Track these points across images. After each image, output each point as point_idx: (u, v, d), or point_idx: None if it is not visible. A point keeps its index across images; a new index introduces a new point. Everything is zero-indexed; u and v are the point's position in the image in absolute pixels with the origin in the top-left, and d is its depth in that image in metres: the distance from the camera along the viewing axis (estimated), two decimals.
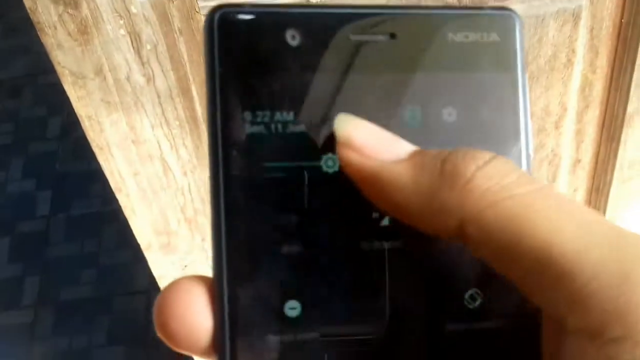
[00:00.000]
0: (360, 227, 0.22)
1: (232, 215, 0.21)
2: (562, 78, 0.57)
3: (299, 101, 0.21)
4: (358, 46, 0.21)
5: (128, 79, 0.54)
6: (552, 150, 0.63)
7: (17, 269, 1.66)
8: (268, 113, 0.21)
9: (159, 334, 0.21)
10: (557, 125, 0.61)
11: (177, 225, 0.65)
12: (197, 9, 0.51)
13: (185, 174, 0.61)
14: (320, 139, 0.21)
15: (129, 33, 0.52)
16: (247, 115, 0.21)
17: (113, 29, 0.51)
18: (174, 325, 0.20)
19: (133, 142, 0.59)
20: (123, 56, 0.53)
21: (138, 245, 1.71)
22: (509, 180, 0.20)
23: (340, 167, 0.21)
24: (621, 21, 0.54)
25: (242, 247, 0.21)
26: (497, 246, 0.19)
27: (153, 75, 0.54)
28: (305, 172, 0.21)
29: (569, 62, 0.56)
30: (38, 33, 0.51)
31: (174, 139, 0.58)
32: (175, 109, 0.56)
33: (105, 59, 0.53)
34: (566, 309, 0.18)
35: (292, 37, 0.21)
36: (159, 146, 0.59)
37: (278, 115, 0.21)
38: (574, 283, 0.18)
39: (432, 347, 0.22)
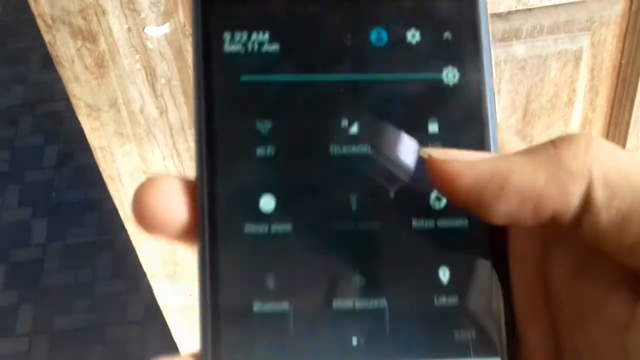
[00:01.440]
0: (329, 133, 0.23)
1: (211, 120, 0.23)
2: (562, 116, 0.58)
3: (279, 26, 0.23)
4: None
5: (142, 111, 0.56)
6: None
7: (12, 297, 1.66)
8: (245, 34, 0.23)
9: (136, 221, 0.22)
10: None
11: (184, 255, 0.66)
12: None
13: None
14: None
15: (144, 67, 0.53)
16: (226, 35, 0.23)
17: (129, 63, 0.53)
18: (151, 211, 0.22)
19: (144, 172, 0.60)
20: (138, 89, 0.54)
21: (133, 275, 1.71)
22: (620, 148, 0.22)
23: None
24: (620, 62, 0.56)
25: (222, 147, 0.23)
26: (623, 204, 0.21)
27: (166, 108, 0.56)
28: (279, 85, 0.23)
29: (570, 101, 0.58)
30: (55, 66, 0.53)
31: (184, 170, 0.60)
32: (187, 140, 0.58)
33: (120, 92, 0.55)
34: None
35: None
36: None
37: (254, 36, 0.23)
38: None
39: (396, 241, 0.23)
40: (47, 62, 2.08)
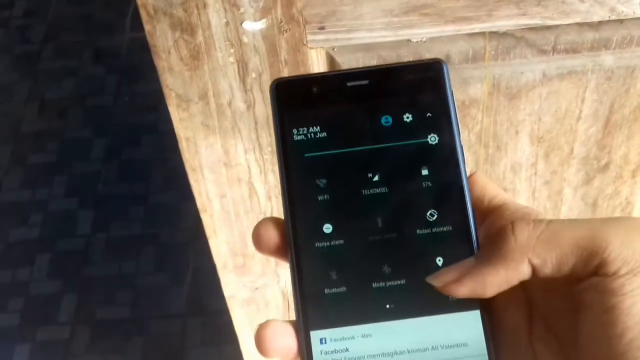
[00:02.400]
0: (361, 182, 0.37)
1: (289, 181, 0.37)
2: None
3: (326, 121, 0.38)
4: (352, 88, 0.38)
5: (229, 104, 0.57)
6: (625, 199, 0.65)
7: (56, 285, 1.69)
8: (305, 128, 0.38)
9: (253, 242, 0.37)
10: (633, 174, 0.62)
11: (254, 248, 0.67)
12: (304, 42, 0.54)
13: (270, 198, 0.64)
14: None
15: (238, 61, 0.54)
16: (295, 130, 0.37)
17: (223, 56, 0.54)
18: (261, 240, 0.36)
19: (225, 165, 0.61)
20: (228, 83, 0.56)
21: (176, 269, 1.72)
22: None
23: None
24: None
25: (297, 197, 0.37)
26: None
27: (254, 102, 0.57)
28: (329, 156, 0.37)
29: None
30: (152, 56, 0.54)
31: (264, 164, 0.61)
32: (270, 135, 0.59)
33: (212, 84, 0.56)
34: None
35: (315, 90, 0.38)
36: (249, 170, 0.61)
37: (311, 129, 0.37)
38: None
39: (407, 244, 0.36)
40: (99, 57, 2.12)
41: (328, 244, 0.36)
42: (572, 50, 0.55)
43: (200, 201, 0.64)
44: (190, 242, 1.71)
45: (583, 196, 0.65)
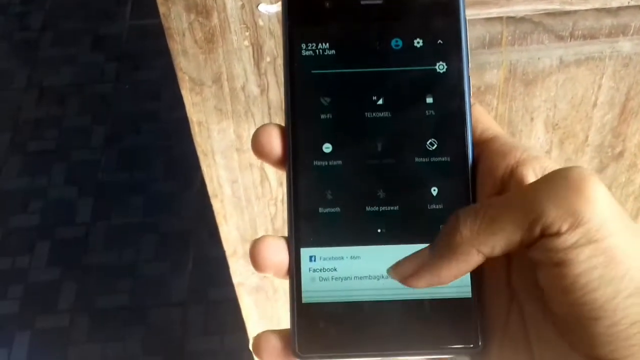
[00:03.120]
0: (365, 104, 0.36)
1: (294, 96, 0.37)
2: None
3: (336, 39, 0.37)
4: (365, 7, 0.37)
5: (243, 88, 0.56)
6: (639, 187, 0.64)
7: (55, 273, 1.68)
8: (314, 44, 0.37)
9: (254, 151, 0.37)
10: None
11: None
12: None
13: (281, 184, 0.63)
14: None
15: (252, 44, 0.54)
16: (303, 45, 0.37)
17: (238, 39, 0.54)
18: (260, 146, 0.36)
19: (237, 150, 0.60)
20: (242, 66, 0.55)
21: (176, 258, 1.72)
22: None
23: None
24: None
25: (300, 113, 0.36)
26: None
27: (267, 86, 0.56)
28: (335, 75, 0.37)
29: None
30: (167, 39, 0.53)
31: None
32: (283, 120, 0.58)
33: (225, 67, 0.55)
34: None
35: (328, 5, 0.37)
36: None
37: (319, 45, 0.37)
38: None
39: (404, 171, 0.36)
40: (98, 44, 2.10)
41: (326, 163, 0.36)
42: (590, 36, 0.54)
43: (211, 187, 0.64)
44: (191, 230, 1.70)
45: None
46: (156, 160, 1.83)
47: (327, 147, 0.36)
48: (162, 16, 0.53)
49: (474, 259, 0.32)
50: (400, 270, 0.34)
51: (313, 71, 0.37)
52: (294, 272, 0.35)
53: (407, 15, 0.37)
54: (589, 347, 0.29)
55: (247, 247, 0.69)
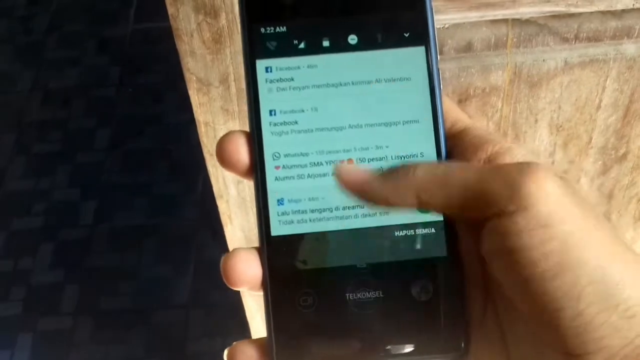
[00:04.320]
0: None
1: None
2: None
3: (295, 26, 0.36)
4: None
5: None
6: None
7: (58, 275, 1.68)
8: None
9: (218, 160, 0.35)
10: None
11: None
12: None
13: None
14: None
15: None
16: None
17: None
18: (226, 155, 0.35)
19: None
20: None
21: (179, 261, 1.72)
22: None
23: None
24: None
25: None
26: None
27: None
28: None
29: None
30: (175, 40, 0.54)
31: None
32: None
33: (233, 68, 0.56)
34: None
35: None
36: None
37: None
38: None
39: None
40: (102, 47, 2.11)
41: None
42: (595, 38, 0.55)
43: (216, 187, 0.64)
44: (193, 233, 1.70)
45: (599, 186, 0.65)
46: (159, 163, 1.84)
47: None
48: (170, 17, 0.53)
49: (410, 200, 0.32)
50: (347, 176, 0.34)
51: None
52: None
53: (368, 6, 0.36)
54: (559, 341, 0.29)
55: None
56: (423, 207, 0.32)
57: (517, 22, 0.54)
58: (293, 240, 0.35)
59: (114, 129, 1.93)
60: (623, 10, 0.53)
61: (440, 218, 0.35)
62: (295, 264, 0.35)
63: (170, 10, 0.52)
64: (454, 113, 0.37)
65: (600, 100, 0.58)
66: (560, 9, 0.53)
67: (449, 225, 0.35)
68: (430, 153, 0.35)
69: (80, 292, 1.66)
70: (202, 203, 1.71)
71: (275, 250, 0.35)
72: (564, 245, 0.29)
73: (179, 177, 1.80)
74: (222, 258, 0.34)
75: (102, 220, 1.77)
